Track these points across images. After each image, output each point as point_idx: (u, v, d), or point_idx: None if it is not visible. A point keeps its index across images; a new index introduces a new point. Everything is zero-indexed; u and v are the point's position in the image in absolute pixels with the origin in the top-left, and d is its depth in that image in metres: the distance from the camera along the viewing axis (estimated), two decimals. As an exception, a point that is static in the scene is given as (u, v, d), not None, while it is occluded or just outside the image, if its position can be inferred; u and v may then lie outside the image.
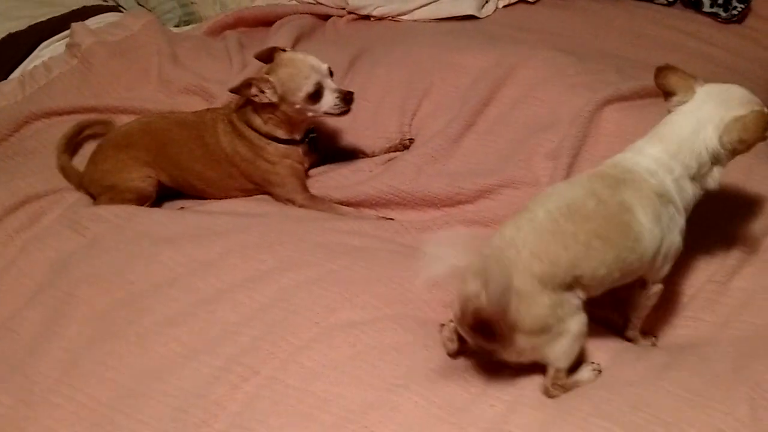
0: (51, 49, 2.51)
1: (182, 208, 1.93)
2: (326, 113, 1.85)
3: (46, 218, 1.88)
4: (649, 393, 1.25)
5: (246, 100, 1.85)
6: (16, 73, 2.43)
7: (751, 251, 1.58)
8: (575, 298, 1.26)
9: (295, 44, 2.52)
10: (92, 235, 1.77)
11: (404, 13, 2.83)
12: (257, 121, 1.86)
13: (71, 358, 1.47)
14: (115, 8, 2.84)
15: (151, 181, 1.91)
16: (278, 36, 2.51)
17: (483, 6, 2.85)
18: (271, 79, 1.79)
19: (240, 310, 1.49)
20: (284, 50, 1.90)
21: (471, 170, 1.89)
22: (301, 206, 1.89)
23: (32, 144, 2.19)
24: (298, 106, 1.82)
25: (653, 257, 1.32)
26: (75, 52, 2.42)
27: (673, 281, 1.57)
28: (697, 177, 1.35)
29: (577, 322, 1.26)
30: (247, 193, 1.96)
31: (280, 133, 1.88)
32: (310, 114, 1.85)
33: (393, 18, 2.84)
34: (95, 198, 1.94)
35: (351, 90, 1.86)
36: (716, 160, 1.35)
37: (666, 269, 1.39)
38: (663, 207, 1.31)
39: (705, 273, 1.59)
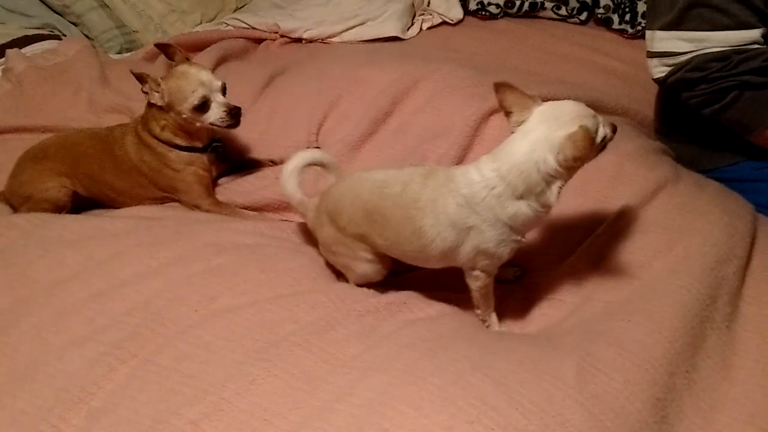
0: (-11, 75, 2.64)
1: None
2: (212, 125, 1.98)
3: (-33, 228, 1.99)
4: (490, 357, 1.36)
5: (147, 111, 1.99)
6: (-44, 98, 2.56)
7: (610, 235, 1.71)
8: (363, 249, 1.57)
9: (220, 64, 2.66)
10: (6, 241, 1.88)
11: (333, 36, 3.01)
12: (156, 128, 1.99)
13: (-29, 349, 1.58)
14: (57, 36, 2.99)
15: (66, 191, 2.03)
16: (204, 57, 2.65)
17: (408, 28, 3.02)
18: (161, 85, 1.93)
19: (127, 302, 1.58)
20: (188, 58, 2.03)
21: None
22: (206, 211, 2.01)
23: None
24: (184, 116, 1.95)
25: (445, 254, 1.47)
26: (9, 77, 2.57)
27: (542, 273, 1.71)
28: (527, 196, 1.38)
29: (361, 265, 1.60)
30: (158, 201, 2.07)
31: (179, 141, 2.01)
32: (198, 124, 1.97)
33: (323, 40, 3.01)
34: (15, 209, 2.05)
35: (238, 105, 1.98)
36: (553, 179, 1.37)
37: (480, 265, 1.49)
38: (462, 216, 1.41)
39: (571, 260, 1.71)
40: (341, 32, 3.00)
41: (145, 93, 1.94)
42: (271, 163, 2.17)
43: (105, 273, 1.68)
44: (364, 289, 1.65)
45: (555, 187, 1.39)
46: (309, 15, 3.08)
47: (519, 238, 1.46)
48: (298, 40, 3.04)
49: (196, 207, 2.02)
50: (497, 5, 3.00)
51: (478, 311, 1.60)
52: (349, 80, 2.32)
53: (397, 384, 1.30)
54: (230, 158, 2.17)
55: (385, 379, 1.32)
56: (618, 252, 1.68)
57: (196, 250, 1.73)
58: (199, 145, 2.04)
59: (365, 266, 1.60)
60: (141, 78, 1.93)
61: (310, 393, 1.33)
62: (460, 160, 1.98)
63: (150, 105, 1.98)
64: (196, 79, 1.94)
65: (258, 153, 2.23)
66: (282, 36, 3.05)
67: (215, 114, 1.95)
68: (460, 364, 1.34)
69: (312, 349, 1.43)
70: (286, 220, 1.97)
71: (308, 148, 2.15)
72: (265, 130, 2.24)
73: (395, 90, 2.22)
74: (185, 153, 2.02)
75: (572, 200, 1.78)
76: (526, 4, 2.97)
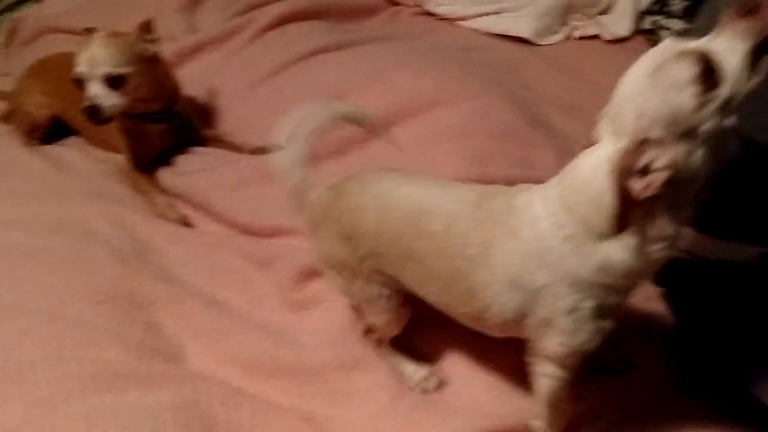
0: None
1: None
2: None
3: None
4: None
5: None
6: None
7: None
8: (382, 286, 1.17)
9: (302, 19, 2.33)
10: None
11: (464, 18, 2.51)
12: None
13: None
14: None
15: (44, 111, 1.95)
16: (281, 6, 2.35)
17: (552, 33, 2.39)
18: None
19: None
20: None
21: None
22: (127, 177, 1.79)
23: (31, 52, 2.40)
24: None
25: (508, 326, 1.03)
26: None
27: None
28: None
29: (365, 293, 1.19)
30: (114, 150, 1.90)
31: None
32: None
33: (453, 21, 2.53)
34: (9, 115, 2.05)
35: (97, 105, 1.65)
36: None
37: (553, 351, 1.01)
38: (527, 270, 0.96)
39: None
40: (474, 17, 2.48)
41: None
42: (234, 149, 1.86)
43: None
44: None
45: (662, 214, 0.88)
46: (452, -12, 2.59)
47: (615, 301, 0.97)
48: (430, 14, 2.60)
49: (125, 170, 1.82)
50: (672, 32, 2.20)
51: (537, 423, 1.13)
52: (372, 78, 1.87)
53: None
54: (194, 130, 1.91)
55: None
56: None
57: (27, 219, 1.55)
58: (136, 111, 1.77)
59: (381, 315, 1.21)
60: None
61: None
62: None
63: None
64: (82, 56, 1.66)
65: (230, 132, 1.93)
66: (416, 5, 2.63)
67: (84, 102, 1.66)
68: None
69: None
70: (186, 221, 1.68)
71: (270, 146, 1.79)
72: (254, 110, 1.93)
73: (399, 108, 1.74)
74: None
75: None
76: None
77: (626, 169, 0.82)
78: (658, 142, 0.82)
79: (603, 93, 1.99)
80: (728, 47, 0.82)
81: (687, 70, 0.81)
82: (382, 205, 1.11)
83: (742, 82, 0.82)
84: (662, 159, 0.82)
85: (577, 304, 0.94)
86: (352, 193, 1.15)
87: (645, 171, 0.82)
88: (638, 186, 0.82)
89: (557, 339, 0.99)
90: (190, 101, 1.96)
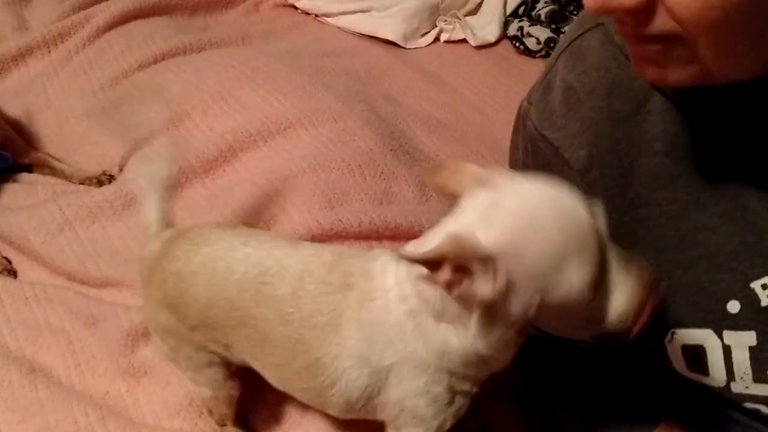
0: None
1: None
2: None
3: None
4: None
5: None
6: None
7: None
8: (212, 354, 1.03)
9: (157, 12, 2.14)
10: None
11: (329, 15, 2.38)
12: None
13: None
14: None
15: None
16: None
17: (420, 36, 2.30)
18: None
19: None
20: None
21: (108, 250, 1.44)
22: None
23: None
24: None
25: (353, 407, 0.92)
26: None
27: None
28: (449, 319, 0.80)
29: (193, 362, 1.06)
30: None
31: None
32: None
33: (317, 17, 2.39)
34: None
35: None
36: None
37: (409, 430, 0.92)
38: (378, 346, 0.86)
39: None
40: (338, 14, 2.35)
41: None
42: (63, 177, 1.65)
43: None
44: None
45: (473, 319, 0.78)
46: (315, -21, 2.44)
47: (468, 388, 0.89)
48: (295, 7, 2.44)
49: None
50: (538, 40, 2.17)
51: None
52: (219, 94, 1.72)
53: None
54: (18, 155, 1.67)
55: None
56: None
57: None
58: None
59: (208, 388, 1.10)
60: None
61: None
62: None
63: None
64: None
65: (57, 154, 1.71)
66: (279, -4, 2.47)
67: None
68: None
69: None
70: (9, 267, 1.47)
71: (101, 176, 1.61)
72: (87, 129, 1.73)
73: (248, 132, 1.61)
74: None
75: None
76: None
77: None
78: None
79: (469, 108, 1.99)
80: None
81: None
82: (215, 269, 0.96)
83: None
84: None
85: (427, 388, 0.87)
86: (178, 255, 1.00)
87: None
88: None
89: (412, 421, 0.91)
90: (14, 120, 1.73)
